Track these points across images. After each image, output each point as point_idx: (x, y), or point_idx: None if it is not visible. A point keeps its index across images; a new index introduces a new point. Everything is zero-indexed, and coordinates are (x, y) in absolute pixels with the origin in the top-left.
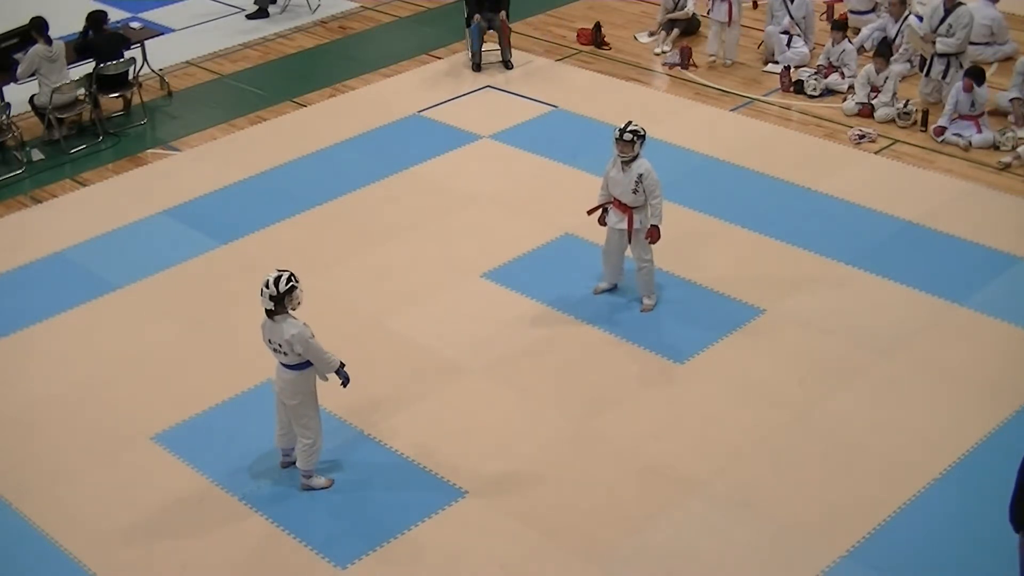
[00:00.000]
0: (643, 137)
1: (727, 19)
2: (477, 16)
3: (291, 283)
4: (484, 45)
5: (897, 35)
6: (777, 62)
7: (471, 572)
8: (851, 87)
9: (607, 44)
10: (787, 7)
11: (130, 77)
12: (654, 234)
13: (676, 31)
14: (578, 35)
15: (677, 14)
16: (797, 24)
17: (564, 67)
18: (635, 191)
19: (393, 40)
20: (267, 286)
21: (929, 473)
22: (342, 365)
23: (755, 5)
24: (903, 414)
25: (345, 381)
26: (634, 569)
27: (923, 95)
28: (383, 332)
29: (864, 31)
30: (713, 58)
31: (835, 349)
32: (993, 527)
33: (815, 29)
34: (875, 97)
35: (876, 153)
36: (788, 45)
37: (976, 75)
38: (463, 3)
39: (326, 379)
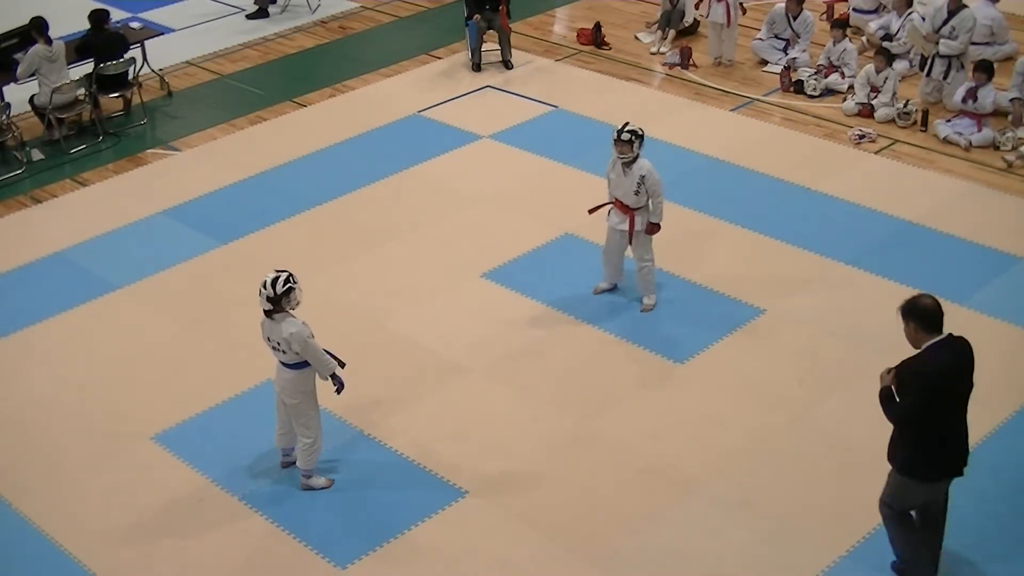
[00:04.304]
0: (641, 137)
1: (726, 20)
2: (477, 16)
3: (289, 284)
4: (484, 45)
5: (899, 30)
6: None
7: (471, 572)
8: (851, 87)
9: (607, 44)
10: (789, 23)
11: (130, 77)
12: (653, 228)
13: (673, 31)
14: (578, 35)
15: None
16: (799, 36)
17: (564, 67)
18: (637, 192)
19: (393, 40)
20: (265, 287)
21: None
22: (342, 365)
23: (743, 11)
24: None
25: (339, 388)
26: (634, 569)
27: (923, 95)
28: (383, 332)
29: (872, 26)
30: (719, 59)
31: (835, 349)
32: (993, 527)
33: (813, 33)
34: (875, 97)
35: (876, 153)
36: (786, 51)
37: (986, 68)
38: (463, 3)
39: (326, 379)
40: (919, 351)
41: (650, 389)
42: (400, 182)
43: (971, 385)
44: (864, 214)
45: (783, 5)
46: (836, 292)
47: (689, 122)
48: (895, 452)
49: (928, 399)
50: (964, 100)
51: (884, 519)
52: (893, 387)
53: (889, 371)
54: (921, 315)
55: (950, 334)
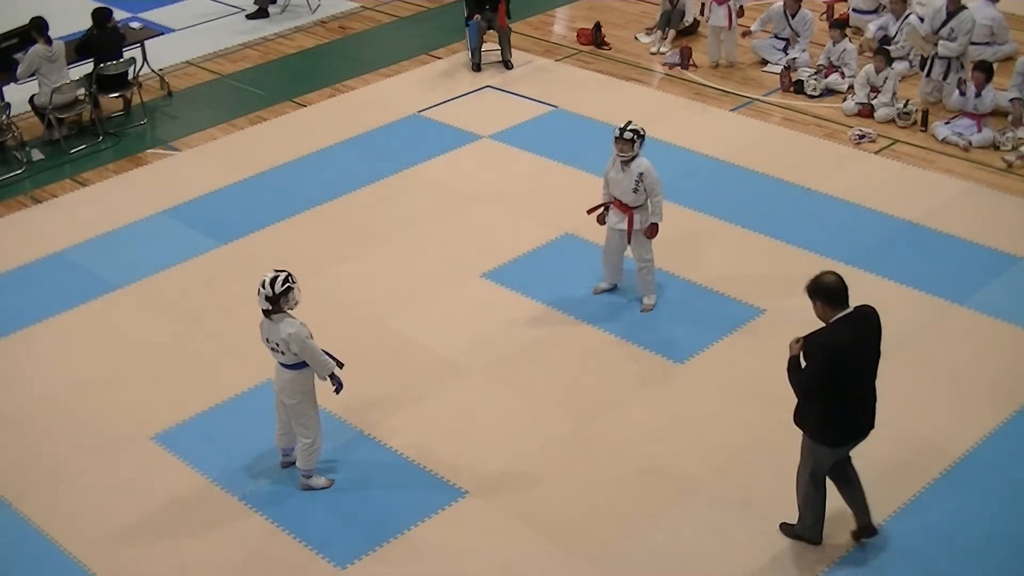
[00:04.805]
0: (643, 137)
1: (727, 23)
2: (477, 16)
3: (287, 284)
4: (484, 45)
5: (897, 33)
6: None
7: (471, 572)
8: (851, 87)
9: (607, 44)
10: (788, 21)
11: (130, 77)
12: (652, 230)
13: (673, 31)
14: (578, 35)
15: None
16: (798, 35)
17: (564, 67)
18: (635, 190)
19: (393, 40)
20: (263, 287)
21: (929, 473)
22: (340, 365)
23: (741, 12)
24: (903, 414)
25: (338, 388)
26: (634, 569)
27: (923, 95)
28: (383, 332)
29: (870, 27)
30: (717, 63)
31: None
32: (993, 527)
33: (812, 33)
34: (875, 97)
35: (876, 153)
36: (785, 51)
37: (986, 69)
38: (463, 3)
39: (325, 379)
40: (827, 324)
41: (650, 389)
42: (400, 182)
43: (878, 353)
44: (864, 214)
45: (780, 4)
46: None
47: (689, 122)
48: (805, 420)
49: (833, 370)
50: (962, 93)
51: (804, 487)
52: (801, 356)
53: (798, 341)
54: (826, 293)
55: (857, 307)
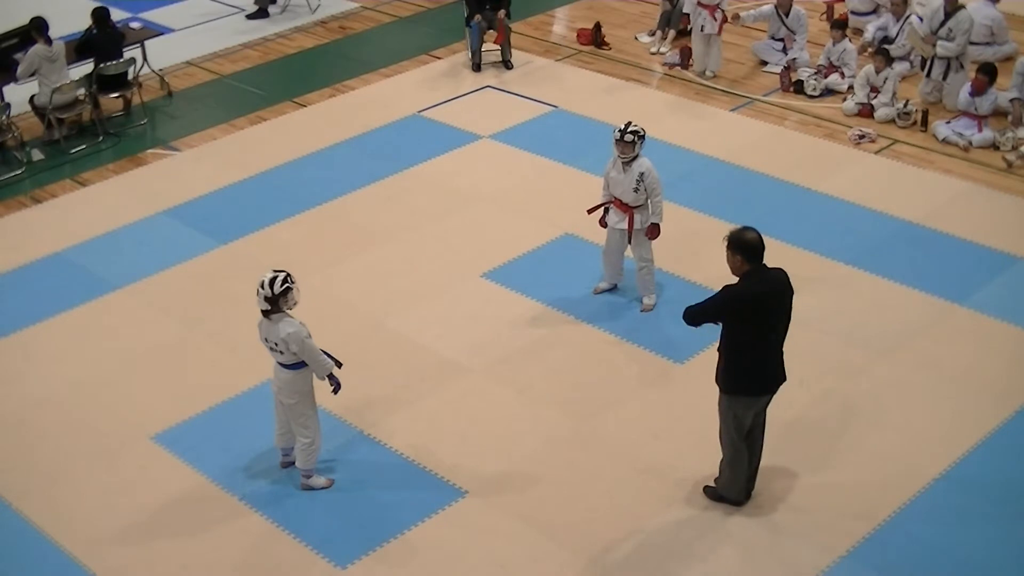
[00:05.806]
0: (643, 137)
1: (716, 30)
2: (477, 16)
3: (286, 284)
4: (484, 45)
5: (898, 35)
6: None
7: (471, 572)
8: (851, 87)
9: (607, 44)
10: (782, 19)
11: (130, 77)
12: (654, 231)
13: (673, 31)
14: (578, 35)
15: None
16: (794, 33)
17: (564, 67)
18: (636, 190)
19: (393, 40)
20: (262, 287)
21: (929, 473)
22: (339, 365)
23: (730, 19)
24: (903, 414)
25: (336, 388)
26: (634, 569)
27: (923, 95)
28: (383, 332)
29: (869, 28)
30: (709, 74)
31: (835, 349)
32: (993, 527)
33: (807, 32)
34: (875, 97)
35: (876, 153)
36: (784, 51)
37: (989, 71)
38: (463, 2)
39: (323, 379)
40: (739, 278)
41: (650, 389)
42: (400, 182)
43: (784, 310)
44: (864, 214)
45: (772, 5)
46: (836, 292)
47: (689, 122)
48: (719, 376)
49: (732, 313)
50: (972, 95)
51: (727, 446)
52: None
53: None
54: (748, 248)
55: (768, 265)
